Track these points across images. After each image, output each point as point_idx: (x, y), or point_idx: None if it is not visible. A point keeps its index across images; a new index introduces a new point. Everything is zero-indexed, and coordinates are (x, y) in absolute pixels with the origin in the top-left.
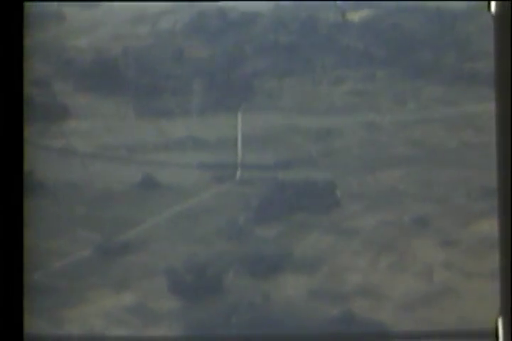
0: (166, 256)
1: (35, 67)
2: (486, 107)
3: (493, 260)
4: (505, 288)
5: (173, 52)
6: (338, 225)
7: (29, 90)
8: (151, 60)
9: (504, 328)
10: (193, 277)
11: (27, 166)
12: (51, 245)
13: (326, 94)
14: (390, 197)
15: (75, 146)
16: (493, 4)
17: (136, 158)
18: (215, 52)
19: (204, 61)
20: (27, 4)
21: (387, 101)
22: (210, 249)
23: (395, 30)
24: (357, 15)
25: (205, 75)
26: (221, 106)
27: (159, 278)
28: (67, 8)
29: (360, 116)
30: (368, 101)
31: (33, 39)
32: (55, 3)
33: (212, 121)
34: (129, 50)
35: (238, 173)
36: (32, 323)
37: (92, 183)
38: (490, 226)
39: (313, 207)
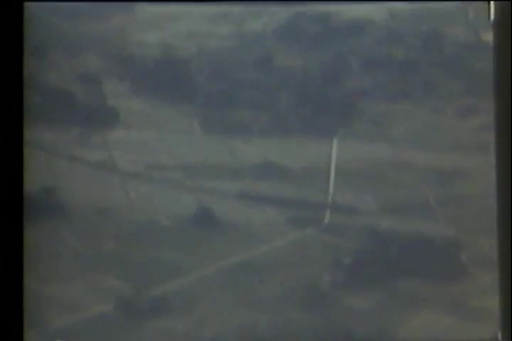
0: (214, 323)
1: (86, 61)
2: None
3: None
4: (505, 302)
5: (260, 57)
6: (463, 302)
7: (73, 87)
8: (231, 64)
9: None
10: None
11: (49, 181)
12: (60, 292)
13: (451, 127)
14: None
15: (117, 162)
16: (492, 5)
17: (195, 184)
18: (312, 62)
19: (296, 71)
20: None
21: None
22: (275, 319)
23: None
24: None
25: (296, 89)
26: (313, 128)
27: None
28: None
29: (495, 156)
30: None
31: (90, 29)
32: None
33: (299, 146)
34: (205, 51)
35: (327, 216)
36: None
37: (130, 212)
38: None
39: (428, 272)
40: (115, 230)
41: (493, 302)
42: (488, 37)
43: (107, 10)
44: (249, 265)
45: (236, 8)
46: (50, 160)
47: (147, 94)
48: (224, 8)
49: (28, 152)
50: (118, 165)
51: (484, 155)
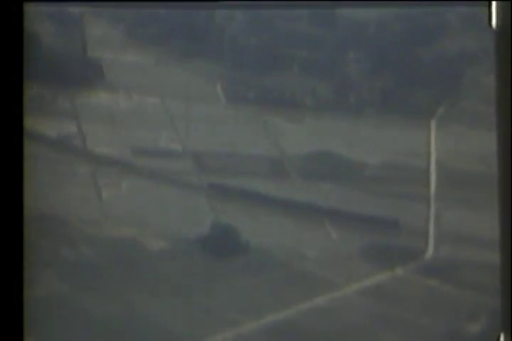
0: None
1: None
2: None
3: None
4: (507, 304)
5: (318, 6)
6: None
7: (41, 28)
8: (277, 12)
9: None
10: None
11: None
12: None
13: None
14: None
15: (90, 141)
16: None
17: (211, 183)
18: (392, 13)
19: (370, 26)
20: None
21: None
22: None
23: None
24: None
25: (369, 49)
26: (397, 105)
27: None
28: None
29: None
30: None
31: None
32: None
33: (375, 131)
34: None
35: (430, 247)
36: None
37: (102, 226)
38: None
39: None
40: (73, 258)
41: None
42: None
43: None
44: (298, 325)
45: None
46: None
47: (149, 43)
48: None
49: None
50: (90, 145)
51: None
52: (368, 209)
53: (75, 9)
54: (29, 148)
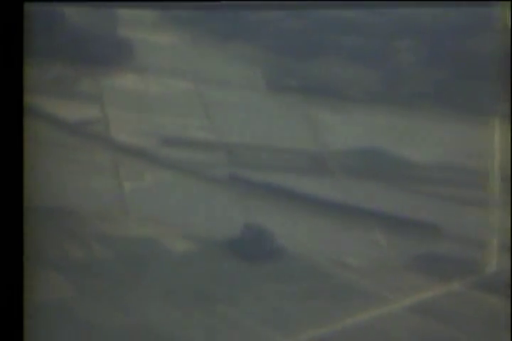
0: None
1: None
2: None
3: None
4: None
5: None
6: None
7: (67, 6)
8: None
9: None
10: None
11: None
12: None
13: None
14: None
15: (113, 127)
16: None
17: (246, 179)
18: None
19: (424, 18)
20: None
21: None
22: None
23: None
24: None
25: (424, 40)
26: (454, 100)
27: None
28: None
29: None
30: None
31: None
32: None
33: (428, 127)
34: None
35: (492, 259)
36: None
37: (120, 223)
38: None
39: None
40: (84, 258)
41: None
42: None
43: None
44: None
45: None
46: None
47: (184, 25)
48: None
49: None
50: (114, 132)
51: None
52: (420, 213)
53: None
54: (46, 133)
